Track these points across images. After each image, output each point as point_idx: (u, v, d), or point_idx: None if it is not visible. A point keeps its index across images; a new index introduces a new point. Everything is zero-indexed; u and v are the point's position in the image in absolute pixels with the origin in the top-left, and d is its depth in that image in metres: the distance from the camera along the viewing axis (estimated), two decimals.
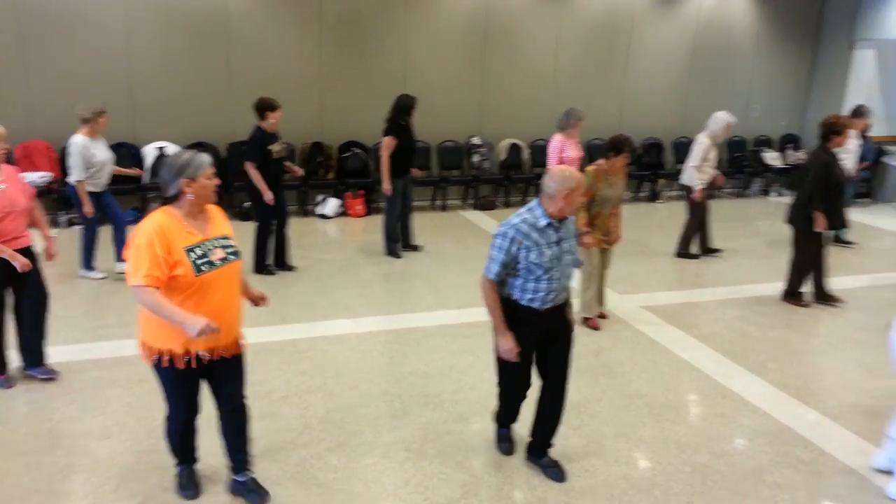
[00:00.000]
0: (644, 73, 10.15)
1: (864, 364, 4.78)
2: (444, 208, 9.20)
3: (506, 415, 3.58)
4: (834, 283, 6.23)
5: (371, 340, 4.93)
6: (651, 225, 8.63)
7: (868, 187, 10.39)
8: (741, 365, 4.70)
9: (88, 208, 5.69)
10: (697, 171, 6.82)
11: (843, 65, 10.52)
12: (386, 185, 6.64)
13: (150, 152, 7.96)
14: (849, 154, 7.50)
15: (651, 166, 10.16)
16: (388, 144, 6.53)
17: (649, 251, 7.45)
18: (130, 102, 8.03)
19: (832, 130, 5.53)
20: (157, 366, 2.86)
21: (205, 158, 2.79)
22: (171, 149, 7.94)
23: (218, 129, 8.35)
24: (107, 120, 5.77)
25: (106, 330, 4.96)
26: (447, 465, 3.45)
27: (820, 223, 5.61)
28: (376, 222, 8.10)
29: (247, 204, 7.98)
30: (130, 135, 8.03)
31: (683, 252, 7.22)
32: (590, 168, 5.06)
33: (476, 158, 9.20)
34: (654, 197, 10.23)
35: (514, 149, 9.50)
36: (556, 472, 3.39)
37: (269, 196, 5.95)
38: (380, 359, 4.64)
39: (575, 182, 3.08)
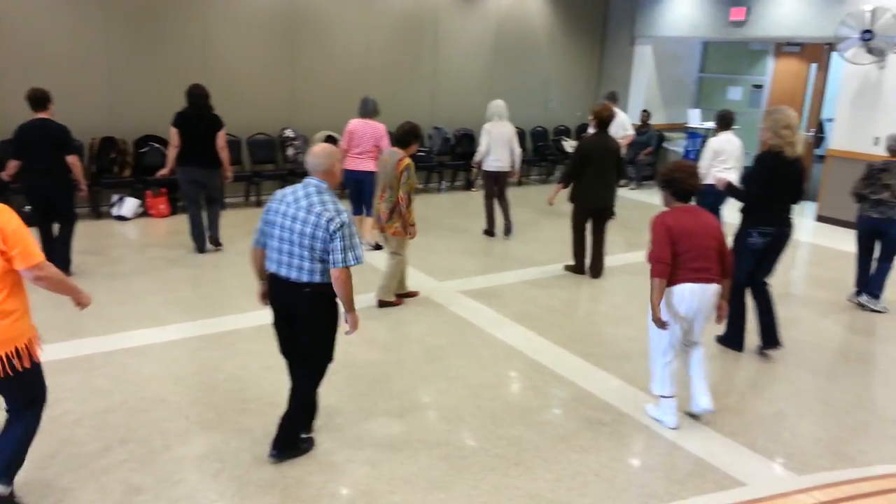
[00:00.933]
0: (452, 65, 10.45)
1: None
2: (258, 204, 8.83)
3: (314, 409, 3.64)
4: (629, 258, 6.84)
5: (179, 348, 4.60)
6: (468, 213, 8.91)
7: (652, 171, 11.55)
8: (549, 339, 5.00)
9: None
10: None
11: (626, 59, 11.57)
12: (230, 174, 6.75)
13: None
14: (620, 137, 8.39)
15: (464, 156, 10.48)
16: (224, 135, 6.53)
17: (467, 238, 7.70)
18: None
19: (612, 118, 6.19)
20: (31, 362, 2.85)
21: None
22: None
23: None
24: None
25: None
26: (265, 471, 3.31)
27: None
28: (182, 222, 7.60)
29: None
30: None
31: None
32: (407, 160, 5.15)
33: (290, 151, 8.93)
34: (469, 185, 10.59)
35: (330, 140, 9.32)
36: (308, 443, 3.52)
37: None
38: (189, 367, 4.34)
39: (338, 153, 3.35)
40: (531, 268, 6.70)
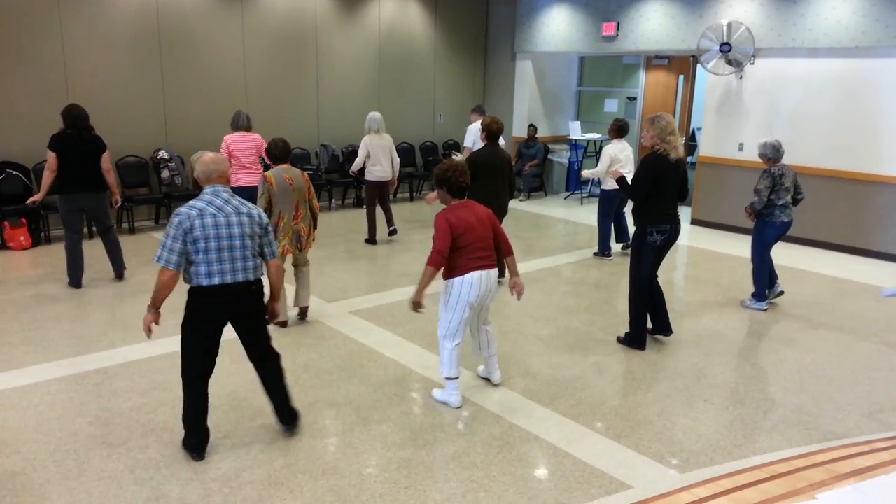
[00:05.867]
0: (336, 80, 10.30)
1: (542, 338, 5.35)
2: (132, 231, 8.31)
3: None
4: (523, 268, 6.92)
5: (37, 393, 4.19)
6: (359, 230, 8.75)
7: (539, 182, 11.85)
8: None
9: None
10: None
11: (508, 74, 11.84)
12: (119, 197, 6.43)
13: None
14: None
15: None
16: (109, 157, 6.20)
17: (357, 256, 7.55)
18: None
19: (500, 130, 6.26)
20: None
21: None
22: None
23: None
24: None
25: None
26: None
27: None
28: (46, 253, 7.07)
29: None
30: None
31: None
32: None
33: (166, 174, 8.47)
34: (359, 203, 10.44)
35: None
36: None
37: None
38: (49, 413, 3.96)
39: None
40: None
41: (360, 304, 5.99)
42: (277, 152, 5.19)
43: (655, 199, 4.85)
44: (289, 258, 5.38)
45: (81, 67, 7.97)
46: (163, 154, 8.50)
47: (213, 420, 3.85)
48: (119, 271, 6.36)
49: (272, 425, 3.88)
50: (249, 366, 4.54)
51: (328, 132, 10.28)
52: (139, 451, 3.58)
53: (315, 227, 5.37)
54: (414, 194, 11.21)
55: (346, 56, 10.34)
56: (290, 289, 5.56)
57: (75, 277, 6.15)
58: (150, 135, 8.58)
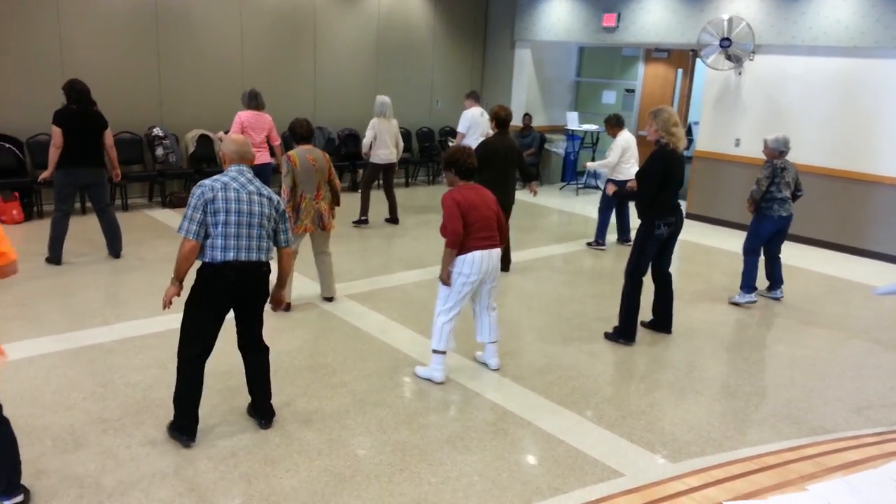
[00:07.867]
0: (334, 64, 10.24)
1: (535, 327, 5.38)
2: (125, 208, 8.25)
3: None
4: (518, 256, 6.95)
5: (32, 368, 4.18)
6: (354, 215, 8.72)
7: (536, 171, 11.83)
8: None
9: None
10: None
11: (507, 62, 11.80)
12: (119, 172, 6.52)
13: None
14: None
15: (350, 157, 10.31)
16: (111, 133, 6.23)
17: (352, 240, 7.54)
18: None
19: (509, 118, 6.30)
20: None
21: None
22: None
23: None
24: None
25: None
26: (130, 497, 3.05)
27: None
28: (39, 228, 7.01)
29: None
30: None
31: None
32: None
33: (160, 151, 8.41)
34: (355, 187, 10.41)
35: (204, 140, 8.90)
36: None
37: None
38: (44, 388, 3.95)
39: None
40: (418, 269, 6.65)
41: (355, 288, 5.99)
42: (302, 132, 5.29)
43: (662, 191, 4.87)
44: (310, 246, 5.51)
45: (77, 42, 7.88)
46: (157, 131, 8.43)
47: (209, 399, 3.86)
48: (116, 251, 6.33)
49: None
50: None
51: (325, 115, 10.22)
52: (135, 427, 3.59)
53: (338, 203, 5.48)
54: (409, 180, 11.19)
55: (345, 39, 10.27)
56: (296, 276, 5.54)
57: (56, 253, 6.07)
58: (145, 112, 8.50)
